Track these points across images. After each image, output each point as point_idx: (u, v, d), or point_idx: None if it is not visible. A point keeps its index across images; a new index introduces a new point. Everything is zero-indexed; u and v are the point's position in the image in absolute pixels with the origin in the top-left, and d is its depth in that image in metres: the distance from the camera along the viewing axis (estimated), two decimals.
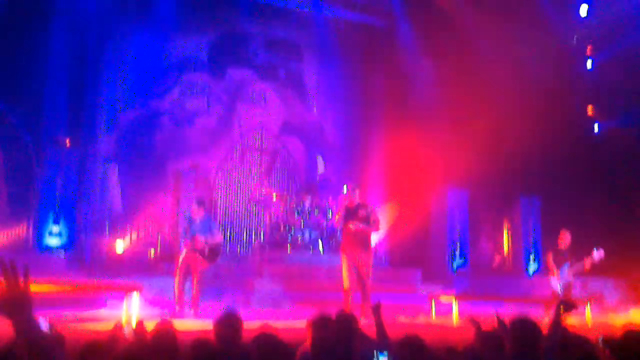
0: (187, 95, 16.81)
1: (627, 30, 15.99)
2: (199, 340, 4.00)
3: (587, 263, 10.60)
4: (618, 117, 17.30)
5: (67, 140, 12.98)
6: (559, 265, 10.81)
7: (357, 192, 8.81)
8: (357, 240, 8.64)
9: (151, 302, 9.54)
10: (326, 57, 18.45)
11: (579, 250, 11.27)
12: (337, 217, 8.67)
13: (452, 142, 16.83)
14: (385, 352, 3.37)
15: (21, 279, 2.34)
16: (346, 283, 8.55)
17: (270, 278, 11.43)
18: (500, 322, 5.10)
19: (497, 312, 5.33)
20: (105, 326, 7.30)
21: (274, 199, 13.55)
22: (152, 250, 13.52)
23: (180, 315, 8.80)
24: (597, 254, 10.45)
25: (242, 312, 4.56)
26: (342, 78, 18.56)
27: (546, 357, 3.83)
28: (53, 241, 12.31)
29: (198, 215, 9.61)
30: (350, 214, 8.68)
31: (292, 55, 18.41)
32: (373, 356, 3.39)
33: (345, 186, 8.93)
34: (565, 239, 10.92)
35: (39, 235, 12.29)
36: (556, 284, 10.78)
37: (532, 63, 16.61)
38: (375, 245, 13.36)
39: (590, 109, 18.10)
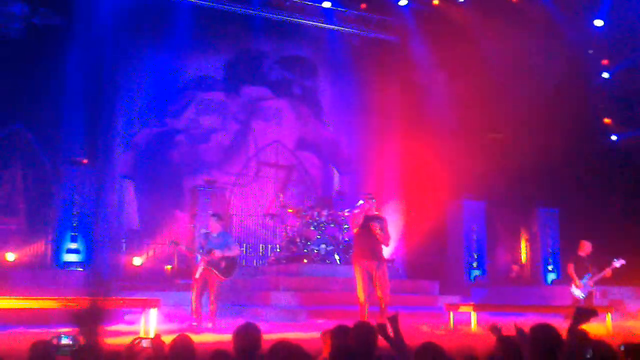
0: (203, 113, 16.96)
1: None
2: (218, 351, 4.00)
3: (608, 272, 10.68)
4: (635, 127, 17.20)
5: (84, 159, 13.10)
6: (580, 275, 10.84)
7: (374, 203, 8.70)
8: (369, 250, 8.38)
9: (169, 317, 9.56)
10: (340, 73, 18.54)
11: (599, 259, 11.24)
12: (355, 221, 8.49)
13: (468, 153, 16.82)
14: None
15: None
16: (362, 296, 8.25)
17: (286, 291, 11.42)
18: (519, 330, 5.06)
19: (515, 321, 5.28)
20: (123, 341, 7.33)
21: (290, 212, 13.58)
22: (169, 266, 13.57)
23: (198, 330, 8.80)
24: (618, 262, 10.55)
25: (259, 325, 4.56)
26: (357, 93, 18.63)
27: None
28: (71, 258, 12.40)
29: (215, 229, 9.64)
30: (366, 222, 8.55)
31: (307, 71, 18.53)
32: None
33: (363, 197, 8.72)
34: (586, 248, 11.01)
35: (57, 251, 12.41)
36: (578, 292, 10.79)
37: (548, 75, 16.59)
38: (392, 257, 13.31)
39: (607, 120, 18.02)
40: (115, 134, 15.48)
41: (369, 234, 8.31)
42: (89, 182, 12.98)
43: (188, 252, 10.51)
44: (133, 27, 15.43)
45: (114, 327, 8.91)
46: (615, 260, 10.67)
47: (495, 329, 4.99)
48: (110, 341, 7.47)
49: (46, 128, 13.76)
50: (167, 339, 4.64)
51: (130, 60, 15.77)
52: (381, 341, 4.60)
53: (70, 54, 14.38)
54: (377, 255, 8.36)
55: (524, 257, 17.13)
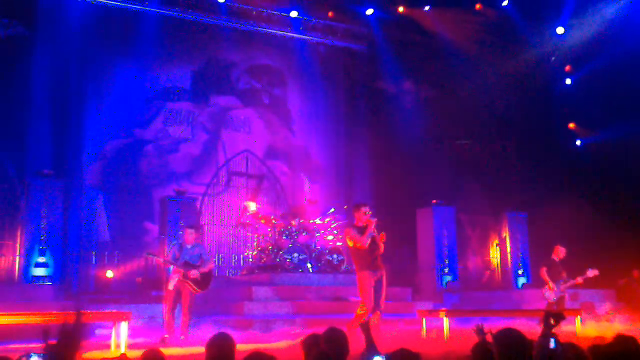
0: (171, 123, 16.85)
1: (603, 47, 16.28)
2: None
3: (580, 280, 10.99)
4: (599, 131, 17.53)
5: (51, 171, 12.91)
6: (553, 279, 11.12)
7: (375, 219, 8.31)
8: (379, 260, 8.35)
9: (140, 330, 9.46)
10: (309, 81, 18.60)
11: (569, 263, 11.49)
12: (366, 238, 8.25)
13: (436, 160, 17.00)
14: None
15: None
16: (368, 307, 8.10)
17: (260, 301, 11.39)
18: (479, 330, 5.16)
19: (478, 324, 5.37)
20: (94, 356, 7.23)
21: (261, 222, 13.55)
22: (140, 278, 13.43)
23: (171, 342, 8.72)
24: (591, 272, 10.84)
25: (233, 336, 4.54)
26: (326, 101, 18.72)
27: None
28: (39, 272, 12.19)
29: (190, 241, 9.55)
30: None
31: (275, 80, 18.56)
32: None
33: (362, 208, 8.55)
34: (560, 253, 11.34)
35: (25, 266, 12.17)
36: (550, 295, 11.04)
37: (513, 82, 16.87)
38: None
39: (571, 125, 18.36)
40: (83, 144, 15.31)
41: (376, 245, 8.27)
42: (57, 194, 12.77)
43: (164, 264, 10.42)
44: (100, 37, 15.31)
45: (84, 342, 8.79)
46: (589, 270, 10.97)
47: (479, 331, 5.08)
48: (82, 356, 7.38)
49: (12, 139, 13.54)
50: (138, 353, 4.60)
51: (97, 70, 15.62)
52: (352, 347, 4.64)
53: (36, 64, 14.20)
54: (382, 264, 8.38)
55: (494, 262, 17.33)
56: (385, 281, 8.32)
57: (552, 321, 4.98)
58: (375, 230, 8.23)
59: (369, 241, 8.11)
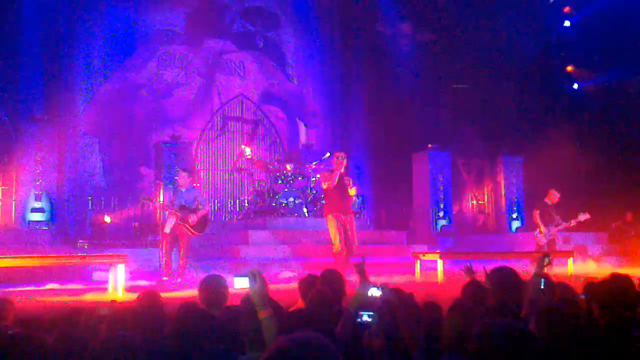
0: (165, 67, 16.63)
1: None
2: (186, 303, 4.01)
3: (572, 223, 11.11)
4: (597, 75, 17.41)
5: (45, 116, 12.81)
6: (545, 222, 11.26)
7: (345, 162, 9.06)
8: (345, 203, 9.03)
9: (137, 274, 9.54)
10: (304, 25, 18.30)
11: (564, 207, 11.59)
12: (335, 176, 8.83)
13: (433, 104, 16.91)
14: (371, 312, 3.39)
15: None
16: (340, 245, 8.77)
17: (256, 245, 11.47)
18: (469, 270, 5.28)
19: (467, 264, 5.49)
20: (90, 298, 7.32)
21: (257, 167, 13.55)
22: (136, 223, 13.48)
23: (168, 285, 8.80)
24: (583, 217, 10.97)
25: (229, 279, 4.58)
26: (321, 44, 18.46)
27: (531, 307, 3.90)
28: (36, 216, 12.23)
29: (184, 184, 9.56)
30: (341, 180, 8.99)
31: (270, 23, 18.23)
32: (359, 315, 3.41)
33: (336, 152, 9.24)
34: (553, 197, 11.43)
35: (21, 211, 12.20)
36: (541, 239, 11.19)
37: (511, 25, 16.63)
38: (360, 209, 13.42)
39: (569, 68, 18.19)
40: (76, 89, 15.14)
41: (343, 191, 8.94)
42: (51, 139, 12.69)
43: (161, 208, 10.43)
44: None
45: (81, 286, 8.87)
46: (580, 214, 11.12)
47: (469, 271, 5.18)
48: (78, 299, 7.46)
49: (4, 85, 13.38)
50: (135, 295, 4.64)
51: (88, 12, 15.33)
52: (348, 289, 4.70)
53: (26, 8, 13.93)
54: (350, 209, 9.13)
55: (489, 206, 17.42)
56: (354, 226, 9.07)
57: (545, 262, 5.06)
58: (349, 181, 9.05)
59: (335, 180, 8.79)
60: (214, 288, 4.52)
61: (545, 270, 4.94)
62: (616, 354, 3.26)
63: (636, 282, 4.33)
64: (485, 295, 4.42)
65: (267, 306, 3.26)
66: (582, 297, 4.37)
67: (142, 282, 9.02)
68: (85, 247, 11.93)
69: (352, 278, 6.39)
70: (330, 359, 1.72)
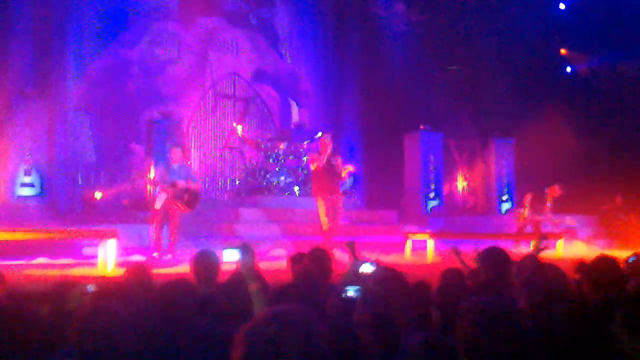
0: (157, 44, 16.47)
1: None
2: (178, 279, 4.00)
3: (556, 222, 11.30)
4: (590, 58, 17.41)
5: (35, 90, 12.70)
6: (534, 208, 11.43)
7: (331, 143, 9.20)
8: (333, 184, 9.11)
9: (128, 250, 9.52)
10: (298, 3, 18.17)
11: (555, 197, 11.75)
12: (323, 157, 8.90)
13: (425, 85, 16.87)
14: (357, 287, 3.40)
15: None
16: (327, 224, 8.97)
17: (247, 223, 11.48)
18: (455, 250, 5.36)
19: (453, 245, 5.57)
20: (80, 272, 7.31)
21: (244, 139, 13.51)
22: (127, 199, 13.44)
23: (159, 261, 8.80)
24: (569, 221, 11.20)
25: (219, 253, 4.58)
26: (315, 24, 18.34)
27: (522, 287, 3.93)
28: (25, 191, 12.17)
29: (176, 160, 9.50)
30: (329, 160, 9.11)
31: (263, 1, 18.08)
32: (343, 289, 3.42)
33: (324, 133, 9.37)
34: (555, 191, 11.59)
35: (10, 186, 12.13)
36: (520, 220, 11.44)
37: (505, 6, 16.58)
38: (352, 188, 13.44)
39: (563, 51, 18.18)
40: (67, 64, 14.98)
41: (331, 171, 9.05)
42: (41, 114, 12.60)
43: (153, 184, 10.39)
44: None
45: (70, 260, 8.86)
46: (567, 218, 11.33)
47: (455, 251, 5.24)
48: (68, 272, 7.45)
49: None
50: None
51: None
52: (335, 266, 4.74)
53: None
54: (337, 189, 9.26)
55: (479, 188, 17.47)
56: (340, 206, 9.30)
57: (541, 245, 5.13)
58: (337, 161, 9.15)
59: (324, 161, 8.93)
60: (206, 263, 4.52)
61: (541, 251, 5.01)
62: (604, 331, 3.29)
63: (622, 263, 4.39)
64: (464, 281, 4.46)
65: (256, 279, 3.27)
66: (573, 278, 4.41)
67: (133, 258, 9.02)
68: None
69: (338, 255, 6.46)
70: (313, 330, 1.72)
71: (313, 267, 4.40)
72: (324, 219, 8.98)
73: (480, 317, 2.42)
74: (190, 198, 9.34)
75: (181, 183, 9.20)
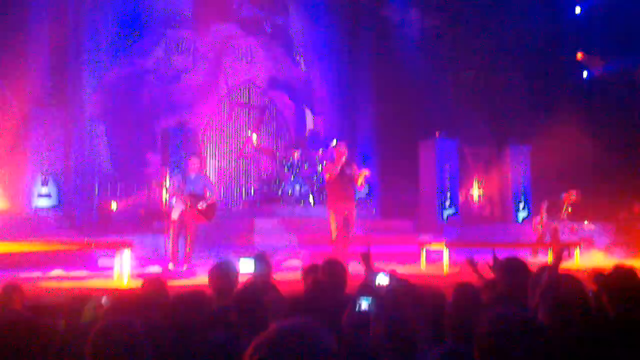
0: (172, 53, 16.54)
1: None
2: (195, 291, 3.99)
3: (574, 228, 11.19)
4: (607, 62, 17.26)
5: (53, 101, 12.80)
6: (550, 214, 11.32)
7: (346, 152, 9.10)
8: (347, 193, 9.03)
9: (143, 261, 9.53)
10: (312, 11, 18.18)
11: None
12: (337, 166, 8.89)
13: (441, 91, 16.80)
14: (369, 298, 3.38)
15: None
16: (335, 234, 8.92)
17: (262, 233, 11.46)
18: (471, 261, 5.30)
19: (469, 256, 5.51)
20: (95, 284, 7.33)
21: (259, 148, 13.50)
22: (142, 209, 13.48)
23: (175, 272, 8.80)
24: (588, 226, 11.08)
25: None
26: (329, 31, 18.33)
27: (541, 298, 3.88)
28: (42, 202, 12.24)
29: (194, 170, 9.51)
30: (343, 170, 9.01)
31: (278, 8, 18.12)
32: (357, 302, 3.40)
33: (338, 141, 9.27)
34: (571, 196, 11.50)
35: (28, 196, 12.20)
36: (539, 228, 11.31)
37: (521, 11, 16.49)
38: (367, 198, 13.40)
39: (579, 56, 18.04)
40: (83, 74, 15.09)
41: (346, 179, 8.97)
42: (58, 124, 12.69)
43: (170, 195, 10.41)
44: None
45: (86, 272, 8.88)
46: (586, 223, 11.21)
47: (471, 262, 5.19)
48: (84, 284, 7.47)
49: (11, 71, 13.35)
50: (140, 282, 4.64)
51: None
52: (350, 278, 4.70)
53: None
54: (351, 199, 9.15)
55: (495, 195, 17.32)
56: (353, 216, 9.13)
57: (564, 255, 5.05)
58: (354, 168, 9.02)
59: (338, 170, 8.87)
60: (224, 275, 4.51)
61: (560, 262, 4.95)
62: (627, 343, 3.23)
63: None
64: (478, 297, 4.40)
65: (271, 290, 3.25)
66: (590, 289, 4.35)
67: (149, 269, 9.03)
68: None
69: (351, 266, 6.42)
70: (321, 344, 1.71)
71: (326, 280, 4.38)
72: (334, 230, 8.96)
73: (502, 328, 2.39)
74: (207, 209, 9.34)
75: (203, 204, 9.22)
